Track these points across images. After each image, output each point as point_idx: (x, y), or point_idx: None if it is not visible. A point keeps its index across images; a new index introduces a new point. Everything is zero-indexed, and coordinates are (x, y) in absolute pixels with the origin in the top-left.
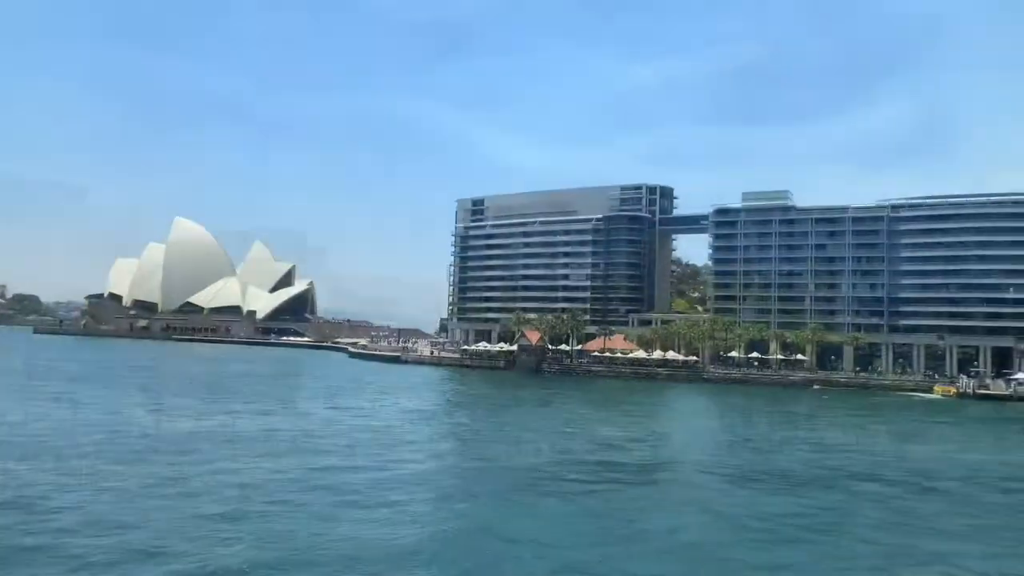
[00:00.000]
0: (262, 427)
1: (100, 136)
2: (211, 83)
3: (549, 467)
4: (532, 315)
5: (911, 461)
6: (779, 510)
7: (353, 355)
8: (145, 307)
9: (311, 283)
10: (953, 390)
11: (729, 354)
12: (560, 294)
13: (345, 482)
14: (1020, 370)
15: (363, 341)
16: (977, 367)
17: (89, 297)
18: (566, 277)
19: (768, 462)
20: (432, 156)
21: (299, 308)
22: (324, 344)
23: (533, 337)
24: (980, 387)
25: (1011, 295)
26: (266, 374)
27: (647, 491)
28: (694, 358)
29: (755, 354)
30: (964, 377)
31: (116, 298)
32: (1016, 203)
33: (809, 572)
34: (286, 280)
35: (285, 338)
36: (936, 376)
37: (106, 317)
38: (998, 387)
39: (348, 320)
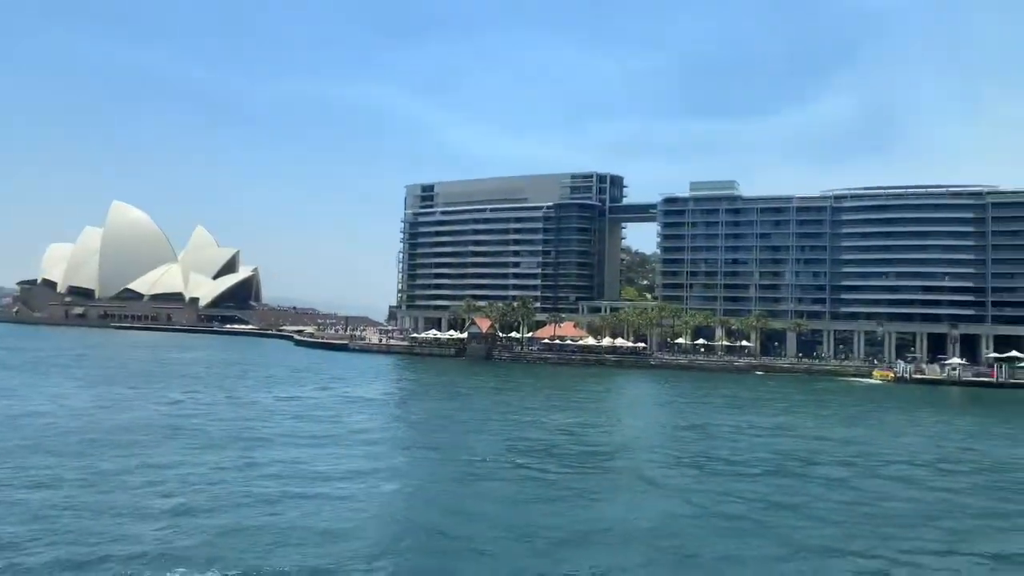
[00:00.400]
0: (205, 417)
1: (39, 120)
2: (161, 67)
3: (502, 454)
4: (482, 303)
5: (855, 444)
6: (730, 495)
7: (299, 343)
8: (81, 293)
9: (256, 270)
10: (891, 375)
11: (676, 340)
12: (511, 281)
13: (293, 472)
14: (954, 355)
15: (309, 329)
16: (914, 352)
17: (21, 283)
18: (517, 264)
19: (716, 447)
20: (386, 142)
21: (243, 295)
22: (269, 332)
23: (483, 324)
24: (916, 372)
25: (946, 283)
26: (209, 362)
27: (600, 477)
28: (642, 344)
29: (701, 340)
30: (901, 362)
31: (50, 284)
32: (952, 195)
33: (762, 554)
34: (230, 266)
35: (229, 326)
36: (875, 361)
37: (39, 304)
38: (933, 371)
39: (294, 307)
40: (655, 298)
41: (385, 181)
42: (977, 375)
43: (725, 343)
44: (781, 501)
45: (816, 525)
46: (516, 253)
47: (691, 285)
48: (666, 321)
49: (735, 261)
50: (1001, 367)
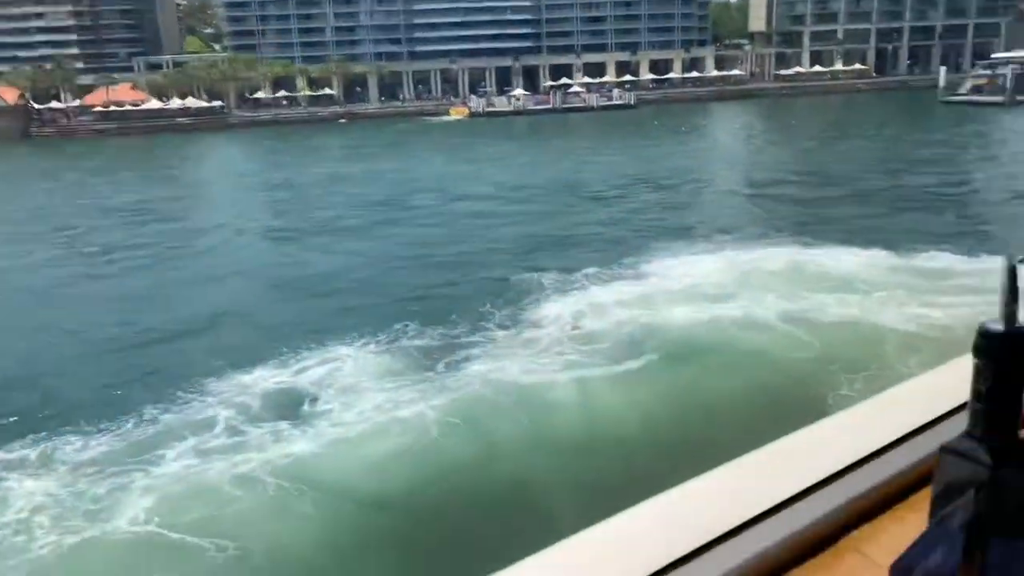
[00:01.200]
0: None
1: None
2: None
3: (70, 252)
4: (2, 68)
5: (441, 178)
6: (336, 240)
7: None
8: None
9: None
10: (466, 111)
11: (256, 95)
12: (37, 38)
13: None
14: (518, 87)
15: None
16: (485, 87)
17: None
18: (40, 16)
19: (315, 201)
20: None
21: None
22: None
23: (10, 96)
24: (488, 106)
25: (509, 17)
26: None
27: (194, 259)
28: (219, 103)
29: (283, 92)
30: (474, 97)
31: None
32: None
33: (377, 291)
34: None
35: None
36: (451, 99)
37: None
38: (502, 104)
39: None
40: (225, 49)
41: None
42: (537, 104)
43: (308, 93)
44: (388, 218)
45: (412, 251)
46: (38, 2)
47: (263, 32)
48: (242, 74)
49: (308, 3)
50: (555, 94)
